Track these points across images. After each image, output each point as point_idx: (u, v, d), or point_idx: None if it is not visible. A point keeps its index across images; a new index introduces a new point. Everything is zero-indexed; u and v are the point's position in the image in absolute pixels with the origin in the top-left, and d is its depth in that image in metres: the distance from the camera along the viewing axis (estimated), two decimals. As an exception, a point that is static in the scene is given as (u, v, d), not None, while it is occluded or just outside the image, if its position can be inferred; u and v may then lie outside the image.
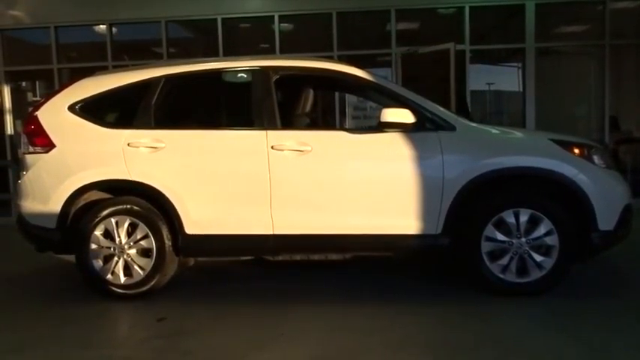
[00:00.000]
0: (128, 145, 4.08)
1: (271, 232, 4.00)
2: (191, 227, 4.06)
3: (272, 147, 3.97)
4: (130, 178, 4.07)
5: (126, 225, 4.11)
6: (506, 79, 9.44)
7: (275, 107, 4.08)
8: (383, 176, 3.93)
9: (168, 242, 4.10)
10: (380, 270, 4.73)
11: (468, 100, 7.79)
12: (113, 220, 4.12)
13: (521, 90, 8.42)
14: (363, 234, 3.94)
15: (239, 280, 4.67)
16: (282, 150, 3.96)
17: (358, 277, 4.55)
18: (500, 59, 9.80)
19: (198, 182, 4.03)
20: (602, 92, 8.16)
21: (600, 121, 8.24)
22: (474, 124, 4.15)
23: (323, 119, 8.12)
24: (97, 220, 4.12)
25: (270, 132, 4.02)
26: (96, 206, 4.16)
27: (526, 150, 4.00)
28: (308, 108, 4.44)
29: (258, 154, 3.98)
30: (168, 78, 4.23)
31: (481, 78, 8.81)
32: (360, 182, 3.94)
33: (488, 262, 3.90)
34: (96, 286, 4.17)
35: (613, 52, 8.11)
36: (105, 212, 4.12)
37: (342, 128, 3.88)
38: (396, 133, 3.92)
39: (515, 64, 9.05)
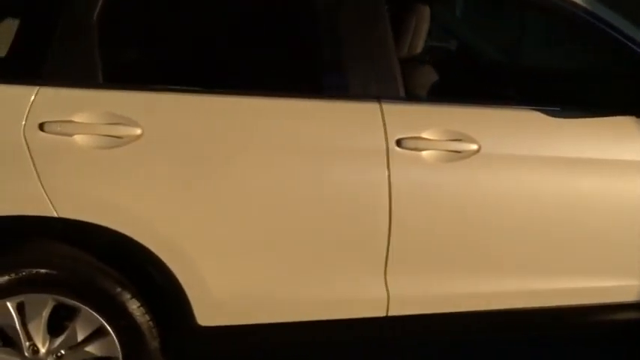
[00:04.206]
0: (41, 128, 1.62)
1: (383, 314, 1.96)
2: (210, 313, 1.84)
3: (397, 142, 1.81)
4: (55, 215, 1.66)
5: (45, 313, 1.76)
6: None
7: (392, 49, 1.86)
8: (625, 205, 2.00)
9: (154, 345, 1.85)
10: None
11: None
12: (10, 305, 1.73)
13: None
14: (573, 305, 2.07)
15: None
16: (417, 150, 1.83)
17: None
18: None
19: (227, 219, 1.77)
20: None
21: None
22: None
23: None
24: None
25: (388, 107, 1.83)
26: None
27: None
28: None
29: (365, 158, 1.81)
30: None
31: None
32: (580, 215, 1.98)
33: None
34: None
35: None
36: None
37: (538, 105, 1.87)
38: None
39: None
